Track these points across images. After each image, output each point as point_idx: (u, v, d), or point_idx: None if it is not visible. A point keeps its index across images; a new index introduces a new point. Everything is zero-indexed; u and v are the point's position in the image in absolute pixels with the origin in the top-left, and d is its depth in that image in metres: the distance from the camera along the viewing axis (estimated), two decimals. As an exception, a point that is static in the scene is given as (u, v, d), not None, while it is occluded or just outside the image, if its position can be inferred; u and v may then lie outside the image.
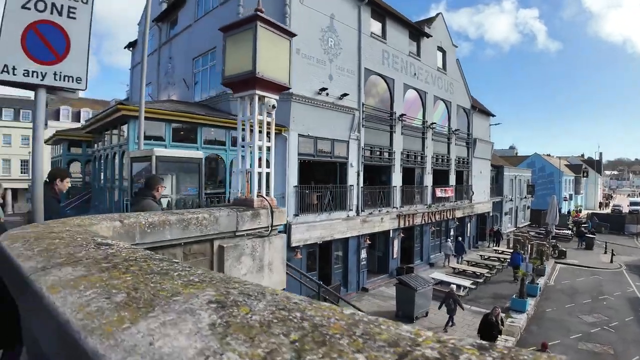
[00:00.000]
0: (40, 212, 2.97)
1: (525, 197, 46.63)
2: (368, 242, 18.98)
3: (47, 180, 4.58)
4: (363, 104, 18.75)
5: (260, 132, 4.38)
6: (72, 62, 3.73)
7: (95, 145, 15.65)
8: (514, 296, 18.07)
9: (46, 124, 49.13)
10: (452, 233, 27.91)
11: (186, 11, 19.34)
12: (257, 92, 4.35)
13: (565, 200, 59.02)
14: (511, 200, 41.15)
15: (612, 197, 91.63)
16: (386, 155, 20.83)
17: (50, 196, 4.35)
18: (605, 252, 31.80)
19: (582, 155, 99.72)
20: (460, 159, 29.31)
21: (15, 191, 48.22)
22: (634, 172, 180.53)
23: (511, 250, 26.34)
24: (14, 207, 46.28)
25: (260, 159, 4.31)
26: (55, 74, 3.68)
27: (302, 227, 15.05)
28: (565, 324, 16.71)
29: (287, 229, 13.97)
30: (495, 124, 35.80)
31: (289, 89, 4.90)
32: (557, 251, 30.42)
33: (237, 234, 3.79)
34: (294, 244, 14.50)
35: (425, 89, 24.42)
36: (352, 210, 17.96)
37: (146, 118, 11.08)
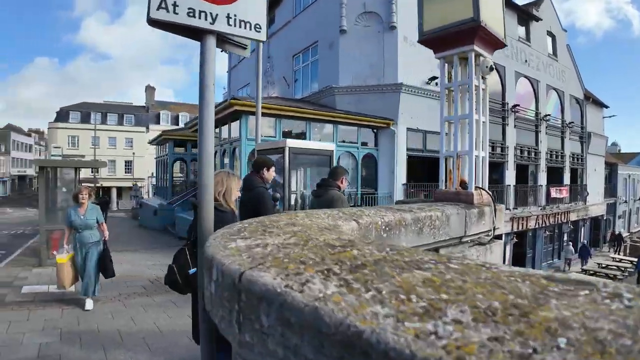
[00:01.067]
0: (208, 195, 2.25)
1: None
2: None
3: (253, 169, 4.30)
4: (473, 95, 17.13)
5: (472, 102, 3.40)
6: (249, 3, 2.55)
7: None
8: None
9: (147, 128, 52.74)
10: (565, 238, 25.07)
11: (283, 9, 19.06)
12: (476, 48, 3.38)
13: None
14: (625, 202, 36.45)
15: None
16: (498, 150, 18.96)
17: (262, 187, 4.07)
18: None
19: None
20: (575, 156, 26.25)
21: (119, 189, 52.32)
22: None
23: (632, 259, 23.11)
24: (118, 204, 50.08)
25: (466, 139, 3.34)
26: (228, 17, 2.47)
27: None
28: None
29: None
30: (610, 116, 31.76)
31: (504, 45, 3.89)
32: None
33: (462, 240, 2.87)
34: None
35: (537, 77, 22.02)
36: (462, 210, 16.45)
37: (254, 113, 10.76)
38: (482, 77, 3.57)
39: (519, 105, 19.84)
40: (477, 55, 3.50)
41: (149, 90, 57.51)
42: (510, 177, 19.53)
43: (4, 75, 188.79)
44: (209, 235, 2.32)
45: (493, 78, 18.84)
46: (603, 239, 30.12)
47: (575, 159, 26.37)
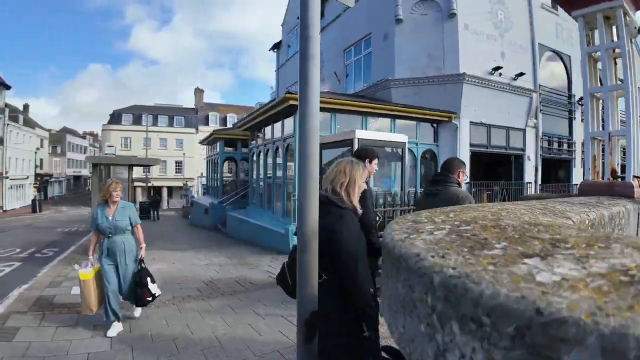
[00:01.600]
0: (313, 183, 1.71)
1: None
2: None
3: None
4: (540, 85, 15.84)
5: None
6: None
7: (253, 141, 15.41)
8: None
9: (197, 129, 53.92)
10: None
11: (333, 3, 18.45)
12: (624, 3, 2.61)
13: None
14: None
15: None
16: (565, 146, 17.50)
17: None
18: None
19: None
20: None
21: (170, 189, 53.83)
22: None
23: None
24: (168, 203, 51.45)
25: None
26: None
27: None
28: None
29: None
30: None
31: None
32: None
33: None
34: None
35: (607, 66, 20.20)
36: (528, 211, 15.18)
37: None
38: (630, 40, 2.77)
39: (589, 96, 18.21)
40: (625, 12, 2.72)
41: (198, 92, 58.88)
42: (577, 175, 17.98)
43: (60, 81, 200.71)
44: (312, 237, 1.80)
45: (558, 66, 17.44)
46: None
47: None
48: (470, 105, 13.12)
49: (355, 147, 5.28)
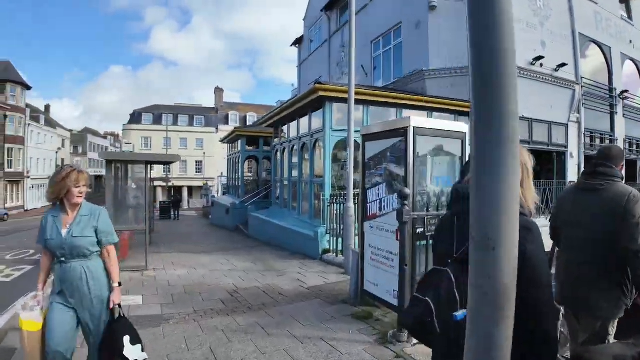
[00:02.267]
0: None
1: None
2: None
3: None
4: (582, 78, 14.72)
5: None
6: None
7: (277, 138, 14.65)
8: None
9: (217, 128, 53.68)
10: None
11: (358, -7, 17.59)
12: None
13: None
14: None
15: None
16: (607, 142, 16.26)
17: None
18: None
19: None
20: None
21: (190, 189, 53.80)
22: None
23: None
24: (189, 203, 51.38)
25: None
26: None
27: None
28: None
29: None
30: None
31: None
32: None
33: None
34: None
35: (645, 59, 18.87)
36: (571, 213, 14.06)
37: (340, 99, 9.41)
38: None
39: (627, 91, 16.95)
40: None
41: (218, 92, 58.74)
42: (621, 173, 16.72)
43: (82, 83, 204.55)
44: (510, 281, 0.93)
45: (599, 58, 16.26)
46: None
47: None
48: (510, 97, 12.12)
49: (411, 137, 4.41)
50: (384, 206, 4.84)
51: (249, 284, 7.13)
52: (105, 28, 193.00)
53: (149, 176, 9.46)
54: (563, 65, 13.58)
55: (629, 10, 18.82)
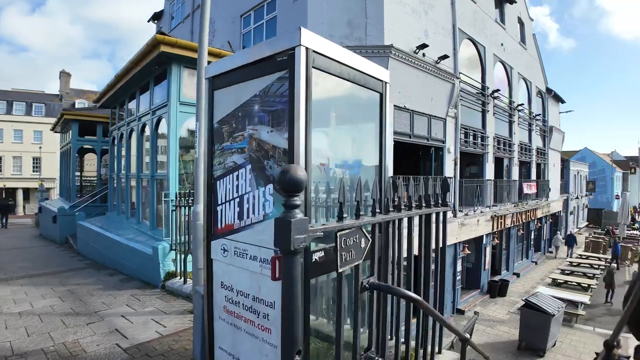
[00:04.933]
0: None
1: (586, 195, 41.68)
2: (467, 251, 14.65)
3: None
4: (460, 73, 14.44)
5: None
6: None
7: (114, 121, 11.41)
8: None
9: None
10: (532, 237, 23.60)
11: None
12: None
13: (617, 198, 53.73)
14: (577, 198, 36.36)
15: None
16: (479, 140, 16.46)
17: None
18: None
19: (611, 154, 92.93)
20: (539, 150, 24.86)
21: (26, 191, 44.76)
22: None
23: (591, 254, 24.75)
24: (25, 208, 43.20)
25: None
26: None
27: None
28: None
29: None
30: (567, 112, 30.97)
31: None
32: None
33: None
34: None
35: (511, 63, 19.99)
36: (449, 210, 13.58)
37: (191, 61, 6.93)
38: None
39: (499, 90, 17.54)
40: None
41: (64, 76, 49.68)
42: (489, 170, 17.19)
43: None
44: None
45: (474, 56, 16.38)
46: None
47: (540, 153, 25.00)
48: (395, 85, 10.93)
49: (302, 67, 2.23)
50: (249, 210, 2.65)
51: (33, 345, 4.34)
52: None
53: None
54: (445, 57, 12.97)
55: (502, 15, 19.67)
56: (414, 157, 14.19)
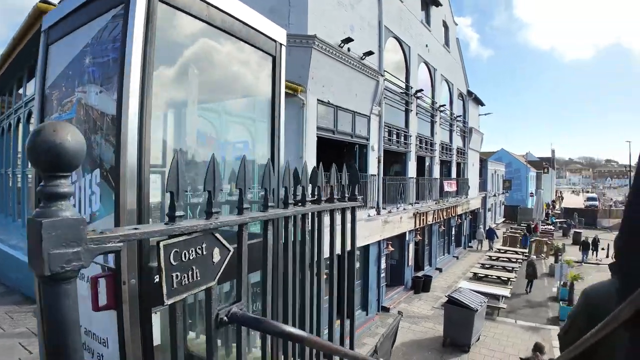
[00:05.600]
0: None
1: (503, 193, 44.60)
2: (391, 248, 14.78)
3: None
4: (385, 71, 14.51)
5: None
6: None
7: (3, 110, 10.06)
8: (561, 304, 15.04)
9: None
10: (453, 232, 24.63)
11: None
12: None
13: (531, 196, 58.20)
14: (495, 195, 38.71)
15: (561, 193, 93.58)
16: (402, 139, 16.71)
17: None
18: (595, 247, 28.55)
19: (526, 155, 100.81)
20: (459, 150, 25.98)
21: None
22: (570, 170, 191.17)
23: (508, 249, 26.47)
24: None
25: None
26: None
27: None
28: None
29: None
30: (486, 114, 32.75)
31: None
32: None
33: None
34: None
35: (435, 65, 20.59)
36: (373, 208, 13.62)
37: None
38: None
39: (422, 90, 17.94)
40: None
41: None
42: (412, 169, 17.54)
43: None
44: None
45: (399, 55, 16.57)
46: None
47: (460, 152, 26.12)
48: (319, 79, 10.63)
49: (140, 12, 1.68)
50: (76, 207, 2.09)
51: None
52: None
53: None
54: (370, 53, 12.89)
55: (428, 17, 20.14)
56: (338, 154, 14.04)
